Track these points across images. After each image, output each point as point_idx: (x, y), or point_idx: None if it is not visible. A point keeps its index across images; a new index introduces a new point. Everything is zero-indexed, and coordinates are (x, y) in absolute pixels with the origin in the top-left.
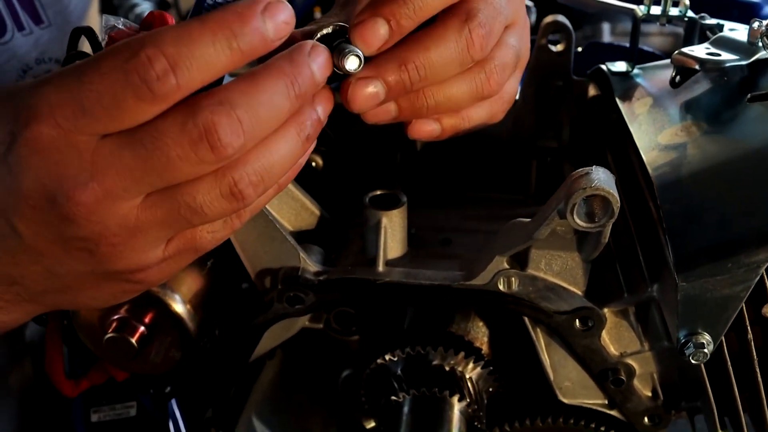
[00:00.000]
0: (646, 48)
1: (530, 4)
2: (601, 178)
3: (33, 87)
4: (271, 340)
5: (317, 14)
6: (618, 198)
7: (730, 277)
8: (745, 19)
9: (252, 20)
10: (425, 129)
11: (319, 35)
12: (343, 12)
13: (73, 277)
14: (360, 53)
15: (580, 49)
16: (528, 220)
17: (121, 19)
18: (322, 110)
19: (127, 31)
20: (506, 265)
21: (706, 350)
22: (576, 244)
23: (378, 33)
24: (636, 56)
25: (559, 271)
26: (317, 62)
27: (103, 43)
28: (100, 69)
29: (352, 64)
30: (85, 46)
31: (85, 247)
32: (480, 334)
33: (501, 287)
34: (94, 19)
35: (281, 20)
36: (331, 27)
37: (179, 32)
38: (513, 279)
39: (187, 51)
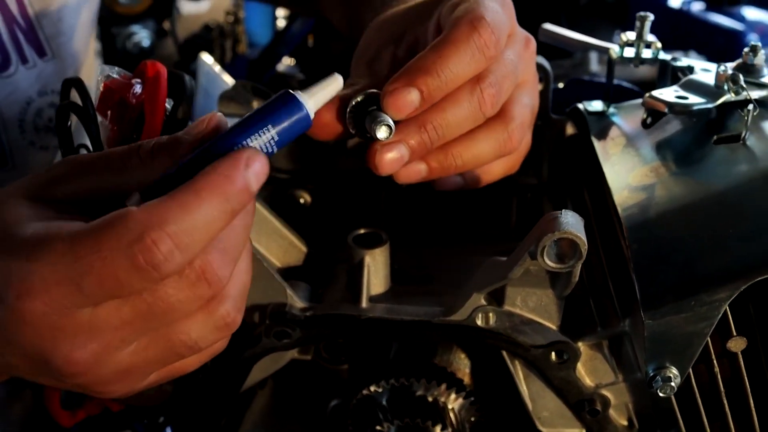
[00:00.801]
0: (625, 84)
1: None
2: (570, 222)
3: (24, 256)
4: (261, 372)
5: (310, 41)
6: (585, 241)
7: (694, 315)
8: (729, 46)
9: (238, 179)
10: (450, 182)
11: (354, 102)
12: (369, 72)
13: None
14: (391, 123)
15: (561, 85)
16: (504, 259)
17: (116, 68)
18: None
19: (121, 79)
20: (484, 302)
21: (673, 384)
22: (549, 282)
23: (411, 102)
24: (611, 96)
25: (534, 307)
26: (253, 171)
27: (98, 92)
28: (101, 251)
29: (383, 133)
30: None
31: (78, 385)
32: (462, 366)
33: (479, 322)
34: (92, 50)
35: (260, 169)
36: (364, 95)
37: (178, 209)
38: (490, 315)
39: (188, 225)
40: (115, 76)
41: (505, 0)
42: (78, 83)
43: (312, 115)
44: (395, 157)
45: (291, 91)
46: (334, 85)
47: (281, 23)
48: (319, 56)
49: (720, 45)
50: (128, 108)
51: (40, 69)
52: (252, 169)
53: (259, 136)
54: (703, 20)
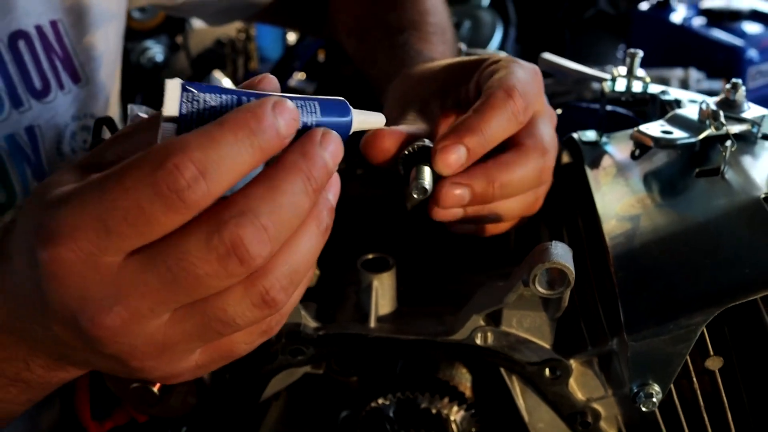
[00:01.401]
0: (620, 110)
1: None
2: (560, 253)
3: (51, 204)
4: (276, 385)
5: (321, 56)
6: (573, 271)
7: (673, 337)
8: (729, 62)
9: (265, 118)
10: (464, 228)
11: (407, 152)
12: (422, 117)
13: (113, 370)
14: (427, 187)
15: (559, 111)
16: (501, 284)
17: (144, 107)
18: (333, 196)
19: (150, 119)
20: (482, 323)
21: (654, 399)
22: (542, 305)
23: (459, 158)
24: (605, 125)
25: (529, 327)
26: (329, 150)
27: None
28: (124, 184)
29: (417, 194)
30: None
31: (115, 360)
32: (464, 380)
33: (478, 341)
34: (118, 72)
35: (290, 117)
36: (418, 147)
37: (202, 136)
38: (489, 334)
39: (213, 153)
40: (143, 115)
41: (535, 69)
42: (109, 122)
43: (353, 127)
44: (458, 194)
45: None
46: (378, 118)
47: (292, 38)
48: (330, 74)
49: (720, 60)
50: None
51: (75, 94)
52: (281, 114)
53: (304, 111)
54: (704, 36)
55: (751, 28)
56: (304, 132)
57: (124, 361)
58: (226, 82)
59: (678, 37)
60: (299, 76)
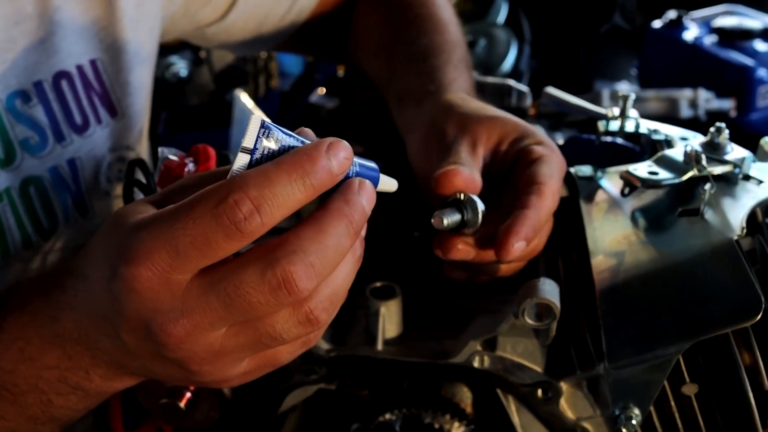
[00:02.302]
0: (619, 142)
1: (526, 89)
2: (547, 289)
3: (132, 230)
4: (293, 399)
5: (341, 72)
6: (558, 306)
7: (650, 366)
8: (739, 81)
9: (320, 160)
10: (459, 274)
11: (455, 196)
12: (469, 159)
13: (167, 376)
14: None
15: (562, 142)
16: (497, 314)
17: (173, 149)
18: (364, 231)
19: (177, 159)
20: (479, 347)
21: (634, 422)
22: (533, 333)
23: (521, 250)
24: (600, 162)
25: (522, 352)
26: (366, 198)
27: (159, 171)
28: (192, 215)
29: (436, 224)
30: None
31: (177, 364)
32: (465, 398)
33: (476, 365)
34: (150, 103)
35: (343, 157)
36: (471, 205)
37: (259, 176)
38: (485, 358)
39: (268, 192)
40: (172, 157)
41: (562, 163)
42: (142, 164)
43: (379, 179)
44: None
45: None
46: (392, 183)
47: None
48: (347, 97)
49: (730, 79)
50: None
51: (112, 127)
52: (334, 154)
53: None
54: (714, 55)
55: (762, 47)
56: (343, 182)
57: (185, 366)
58: (247, 100)
59: (689, 56)
60: (320, 92)
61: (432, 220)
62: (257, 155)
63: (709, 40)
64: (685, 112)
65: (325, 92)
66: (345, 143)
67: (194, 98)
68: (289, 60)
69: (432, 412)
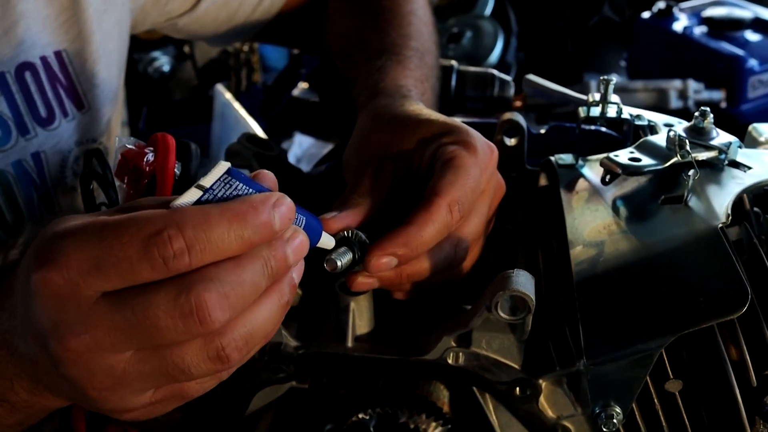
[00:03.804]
0: (604, 130)
1: (509, 78)
2: (521, 281)
3: (57, 235)
4: (263, 399)
5: None
6: (533, 298)
7: (630, 362)
8: (729, 72)
9: (264, 214)
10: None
11: (341, 235)
12: (372, 187)
13: (73, 398)
14: (337, 266)
15: (543, 131)
16: (470, 308)
17: (132, 139)
18: (297, 275)
19: (135, 149)
20: (453, 344)
21: (615, 420)
22: (509, 328)
23: (389, 266)
24: (580, 150)
25: (498, 348)
26: (293, 246)
27: (116, 161)
28: (122, 238)
29: (329, 267)
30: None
31: (73, 384)
32: (442, 396)
33: (450, 361)
34: (121, 97)
35: (286, 215)
36: (358, 239)
37: (200, 217)
38: (460, 355)
39: (203, 236)
40: (130, 146)
41: (489, 156)
42: (98, 154)
43: (322, 231)
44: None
45: None
46: (331, 241)
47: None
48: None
49: (720, 70)
50: (142, 174)
51: (78, 120)
52: (279, 209)
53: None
54: (704, 45)
55: (753, 37)
56: None
57: (82, 388)
58: (229, 96)
59: (679, 46)
60: (303, 86)
61: (325, 266)
62: (209, 196)
63: (699, 30)
64: (675, 103)
65: (308, 86)
66: (289, 202)
67: (178, 93)
68: (273, 54)
69: (408, 411)
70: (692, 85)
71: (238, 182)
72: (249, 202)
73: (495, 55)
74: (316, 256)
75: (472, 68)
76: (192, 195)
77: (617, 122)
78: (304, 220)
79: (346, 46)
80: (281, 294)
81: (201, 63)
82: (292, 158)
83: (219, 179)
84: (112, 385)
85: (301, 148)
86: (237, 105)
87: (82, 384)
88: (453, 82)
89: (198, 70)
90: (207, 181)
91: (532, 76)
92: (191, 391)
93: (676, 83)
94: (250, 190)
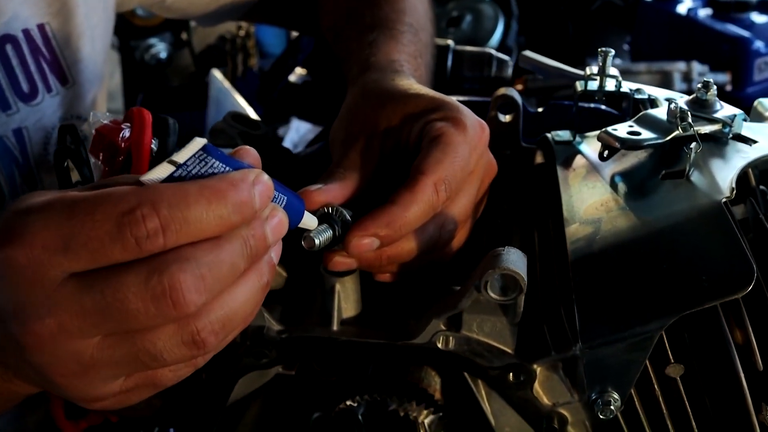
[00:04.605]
0: (603, 108)
1: (507, 58)
2: (511, 259)
3: (24, 211)
4: (248, 386)
5: None
6: (524, 277)
7: (628, 345)
8: (735, 53)
9: (244, 192)
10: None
11: (323, 211)
12: (360, 162)
13: (42, 385)
14: (316, 244)
15: (541, 109)
16: (459, 288)
17: (107, 114)
18: (276, 256)
19: (111, 124)
20: (443, 327)
21: (612, 407)
22: (501, 310)
23: (371, 247)
24: (578, 125)
25: (489, 332)
26: (272, 225)
27: (91, 137)
28: (94, 216)
29: (307, 245)
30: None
31: (41, 371)
32: (433, 383)
33: (440, 345)
34: (107, 72)
35: (265, 193)
36: (341, 217)
37: (177, 195)
38: (450, 338)
39: (179, 215)
40: (105, 121)
41: (478, 135)
42: (72, 130)
43: (304, 211)
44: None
45: None
46: (314, 221)
47: (294, 33)
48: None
49: (726, 52)
50: (118, 150)
51: (62, 96)
52: (258, 186)
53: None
54: (709, 27)
55: (759, 18)
56: None
57: (48, 375)
58: (225, 82)
59: (683, 29)
60: (300, 71)
61: (302, 243)
62: (182, 172)
63: (704, 12)
64: (679, 85)
65: (305, 72)
66: (267, 179)
67: (175, 80)
68: (271, 40)
69: (397, 399)
70: (697, 67)
71: (213, 159)
72: (228, 180)
73: (495, 38)
74: (300, 238)
75: (468, 48)
76: (163, 170)
77: (616, 97)
78: (285, 199)
79: (338, 21)
80: (260, 275)
81: (198, 50)
82: (288, 143)
83: (194, 155)
84: (80, 372)
85: (298, 133)
86: (232, 90)
87: (48, 371)
88: (449, 62)
89: (195, 57)
90: (180, 156)
91: (528, 52)
92: (164, 379)
93: (680, 65)
94: (227, 168)
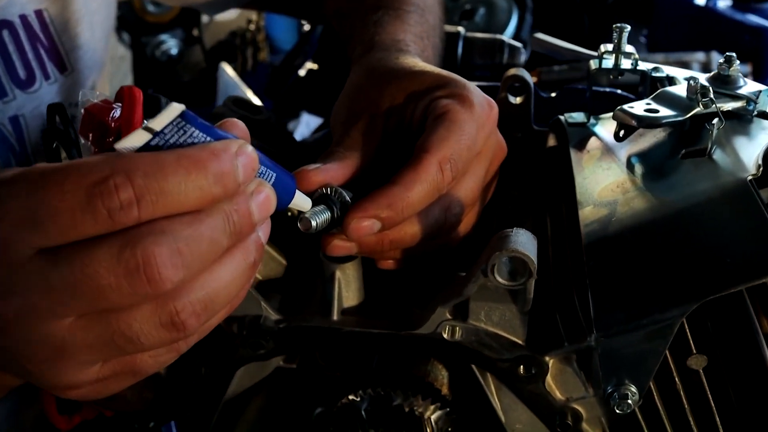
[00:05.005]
0: (619, 92)
1: (519, 45)
2: (520, 240)
3: None
4: (246, 380)
5: None
6: (534, 260)
7: (647, 334)
8: (756, 44)
9: (226, 163)
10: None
11: (320, 191)
12: (362, 141)
13: (15, 372)
14: (312, 227)
15: (554, 94)
16: (464, 274)
17: (96, 93)
18: (263, 234)
19: (101, 104)
20: (448, 316)
21: (630, 401)
22: (510, 297)
23: (371, 231)
24: (591, 107)
25: (498, 321)
26: (257, 201)
27: (80, 117)
28: (63, 186)
29: (303, 227)
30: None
31: (11, 357)
32: (440, 376)
33: (445, 335)
34: (109, 60)
35: (249, 165)
36: (340, 198)
37: (153, 164)
38: (456, 328)
39: (155, 186)
40: (95, 101)
41: (486, 113)
42: (60, 109)
43: (295, 190)
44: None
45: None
46: (307, 202)
47: (306, 27)
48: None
49: (746, 43)
50: (108, 130)
51: (61, 83)
52: (241, 158)
53: (263, 165)
54: (729, 18)
55: None
56: None
57: (18, 360)
58: (234, 75)
59: (702, 20)
60: (310, 66)
61: (299, 225)
62: (159, 141)
63: (723, 2)
64: None
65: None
66: (252, 150)
67: (186, 76)
68: (283, 36)
69: (402, 393)
70: (716, 57)
71: (193, 128)
72: (209, 149)
73: (509, 32)
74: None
75: (479, 34)
76: (139, 138)
77: (632, 85)
78: (274, 176)
79: (343, 6)
80: (246, 254)
81: (209, 45)
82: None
83: (171, 123)
84: (52, 357)
85: (309, 128)
86: (240, 82)
87: (18, 356)
88: (459, 50)
89: (206, 53)
90: (157, 123)
91: (540, 35)
92: (144, 365)
93: (699, 56)
94: (208, 138)
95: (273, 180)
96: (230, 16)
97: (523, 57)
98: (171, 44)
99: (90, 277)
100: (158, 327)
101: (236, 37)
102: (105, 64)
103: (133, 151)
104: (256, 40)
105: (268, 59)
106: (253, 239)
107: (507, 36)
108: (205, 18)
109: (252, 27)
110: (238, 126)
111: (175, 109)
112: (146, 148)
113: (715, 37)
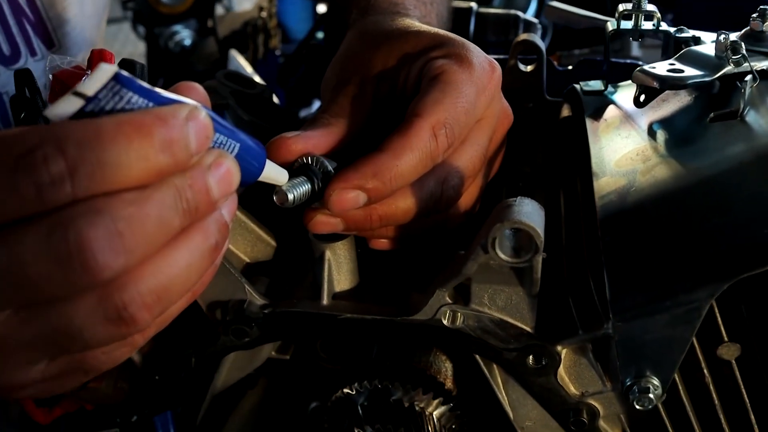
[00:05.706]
0: (640, 64)
1: (535, 21)
2: (525, 210)
3: None
4: (235, 372)
5: None
6: (541, 233)
7: (671, 318)
8: None
9: (175, 129)
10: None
11: (300, 161)
12: (350, 109)
13: None
14: (290, 199)
15: (570, 67)
16: (464, 252)
17: (67, 58)
18: (228, 213)
19: (72, 70)
20: (448, 299)
21: (651, 395)
22: (516, 278)
23: (356, 203)
24: (609, 74)
25: (504, 306)
26: (217, 176)
27: (48, 83)
28: None
29: (279, 202)
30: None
31: None
32: (443, 368)
33: (445, 322)
34: (101, 39)
35: (203, 132)
36: (322, 169)
37: (88, 131)
38: (458, 314)
39: (92, 156)
40: (64, 66)
41: (488, 74)
42: (27, 75)
43: (261, 176)
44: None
45: None
46: (282, 176)
47: (322, 9)
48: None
49: None
50: None
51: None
52: (193, 123)
53: (223, 146)
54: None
55: None
56: None
57: None
58: (244, 62)
59: (729, 2)
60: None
61: (274, 198)
62: (93, 107)
63: None
64: None
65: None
66: (205, 115)
67: (200, 67)
68: (295, 25)
69: (402, 386)
70: None
71: (131, 93)
72: (154, 113)
73: (530, 12)
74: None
75: (493, 10)
76: (69, 104)
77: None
78: (237, 146)
79: None
80: (206, 235)
81: (223, 36)
82: None
83: (105, 87)
84: None
85: None
86: (250, 69)
87: None
88: (472, 26)
89: (220, 44)
90: (89, 87)
91: (555, 3)
92: (96, 362)
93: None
94: (150, 104)
95: (236, 150)
96: (245, 7)
97: (539, 33)
98: (184, 35)
99: (17, 265)
100: (104, 322)
101: (248, 26)
102: (96, 44)
103: (65, 118)
104: (267, 26)
105: (279, 47)
106: (214, 218)
107: (528, 16)
108: (219, 9)
109: (264, 14)
110: (196, 89)
111: (106, 71)
112: (80, 115)
113: (745, 17)
